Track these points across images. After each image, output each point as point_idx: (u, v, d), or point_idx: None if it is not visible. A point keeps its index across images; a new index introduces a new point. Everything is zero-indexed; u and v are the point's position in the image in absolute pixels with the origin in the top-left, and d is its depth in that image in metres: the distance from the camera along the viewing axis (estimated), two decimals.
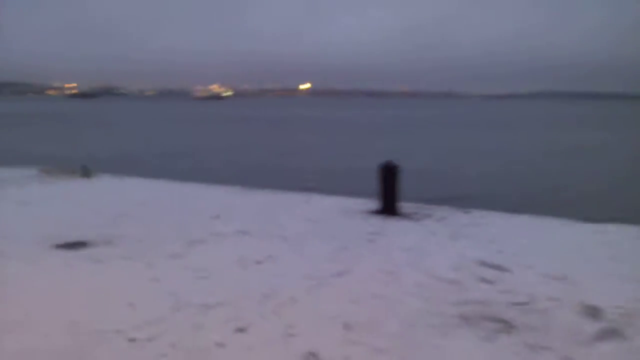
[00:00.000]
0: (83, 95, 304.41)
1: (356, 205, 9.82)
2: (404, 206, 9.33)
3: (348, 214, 9.08)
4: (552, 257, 6.56)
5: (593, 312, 4.78)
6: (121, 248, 7.01)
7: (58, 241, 7.34)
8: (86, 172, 13.09)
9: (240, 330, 4.44)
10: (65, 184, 12.03)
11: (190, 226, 8.14)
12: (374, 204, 9.65)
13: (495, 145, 32.96)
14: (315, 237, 7.48)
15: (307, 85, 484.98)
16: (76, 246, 7.19)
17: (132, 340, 4.26)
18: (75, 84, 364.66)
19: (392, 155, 10.54)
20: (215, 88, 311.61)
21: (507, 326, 4.51)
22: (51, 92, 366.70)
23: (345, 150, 30.12)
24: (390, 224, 8.31)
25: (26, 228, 7.98)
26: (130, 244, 7.20)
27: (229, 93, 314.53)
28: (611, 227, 8.23)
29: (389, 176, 8.98)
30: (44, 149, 28.97)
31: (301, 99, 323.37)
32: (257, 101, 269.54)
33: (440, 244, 7.18)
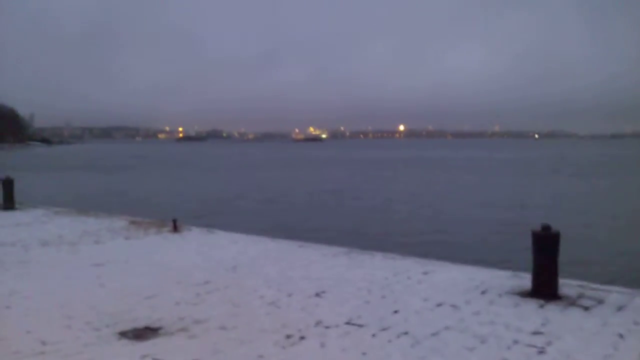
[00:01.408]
0: (189, 139, 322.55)
1: (495, 280, 7.64)
2: (561, 283, 7.04)
3: (489, 295, 6.92)
4: None
5: None
6: (198, 340, 5.39)
7: (124, 325, 5.87)
8: (176, 226, 11.90)
9: None
10: (152, 240, 10.84)
11: (287, 308, 6.40)
12: (519, 279, 7.46)
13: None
14: (452, 337, 5.44)
15: (402, 127, 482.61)
16: (144, 335, 5.66)
17: None
18: (181, 128, 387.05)
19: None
20: (312, 130, 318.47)
21: None
22: (162, 136, 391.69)
23: (461, 196, 27.82)
24: (555, 317, 6.05)
25: (90, 302, 6.62)
26: (211, 333, 5.58)
27: (325, 135, 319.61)
28: None
29: (548, 246, 6.77)
30: (146, 193, 29.32)
31: (396, 141, 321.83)
32: (353, 142, 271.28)
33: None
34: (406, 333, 5.54)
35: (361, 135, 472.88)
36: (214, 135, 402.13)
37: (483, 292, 7.04)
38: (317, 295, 6.98)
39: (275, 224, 18.02)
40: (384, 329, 5.65)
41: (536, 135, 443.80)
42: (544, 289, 6.78)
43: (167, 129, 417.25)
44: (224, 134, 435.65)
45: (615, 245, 15.58)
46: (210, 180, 41.63)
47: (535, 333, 5.50)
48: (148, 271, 8.30)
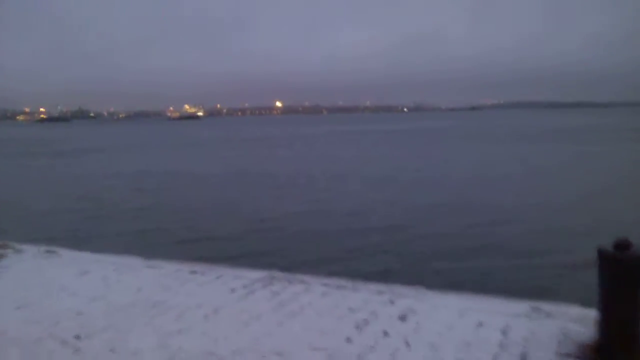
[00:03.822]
0: (52, 120, 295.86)
1: (522, 323, 4.83)
2: None
3: (537, 351, 4.10)
4: None
5: None
6: None
7: None
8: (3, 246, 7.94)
9: None
10: None
11: None
12: (560, 319, 4.78)
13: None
14: None
15: (279, 104, 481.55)
16: None
17: None
18: (43, 109, 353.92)
19: None
20: (188, 108, 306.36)
21: None
22: (21, 118, 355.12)
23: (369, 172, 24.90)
24: None
25: None
26: None
27: (201, 113, 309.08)
28: None
29: (626, 279, 4.06)
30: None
31: (273, 118, 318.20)
32: (231, 119, 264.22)
33: None
34: None
35: (239, 113, 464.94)
36: (80, 116, 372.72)
37: (526, 346, 4.18)
38: None
39: (150, 232, 13.46)
40: None
41: (405, 109, 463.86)
42: (618, 345, 4.08)
43: (27, 110, 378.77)
44: (91, 114, 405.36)
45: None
46: (63, 171, 34.44)
47: None
48: None
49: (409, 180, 22.32)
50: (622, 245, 4.06)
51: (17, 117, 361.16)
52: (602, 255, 4.14)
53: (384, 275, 7.53)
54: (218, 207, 17.11)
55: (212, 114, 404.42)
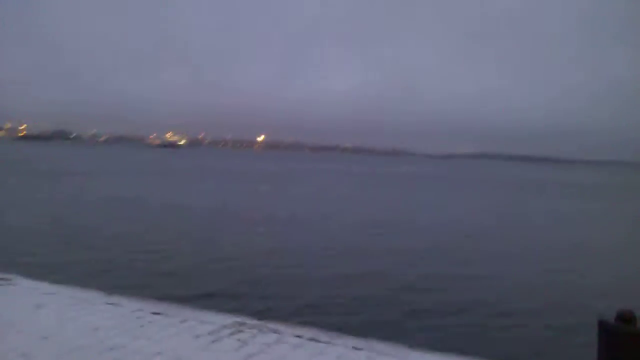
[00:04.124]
0: (32, 138, 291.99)
1: None
2: None
3: None
4: None
5: None
6: None
7: None
8: None
9: None
10: None
11: None
12: None
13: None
14: None
15: (262, 138, 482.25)
16: None
17: None
18: (24, 125, 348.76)
19: None
20: (170, 136, 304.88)
21: None
22: (1, 133, 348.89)
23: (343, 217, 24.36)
24: None
25: None
26: None
27: (183, 141, 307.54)
28: None
29: (629, 355, 3.73)
30: None
31: (253, 152, 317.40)
32: (211, 151, 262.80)
33: None
34: None
35: (221, 144, 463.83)
36: (60, 136, 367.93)
37: None
38: None
39: (116, 263, 12.79)
40: None
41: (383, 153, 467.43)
42: None
43: (8, 125, 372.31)
44: (71, 135, 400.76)
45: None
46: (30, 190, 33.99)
47: None
48: None
49: (395, 225, 21.96)
50: (625, 318, 3.76)
51: None
52: (603, 327, 3.82)
53: (363, 328, 7.06)
54: (190, 241, 16.48)
55: (193, 143, 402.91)
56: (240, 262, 13.55)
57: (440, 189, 49.05)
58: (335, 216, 24.00)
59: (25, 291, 6.98)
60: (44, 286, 7.40)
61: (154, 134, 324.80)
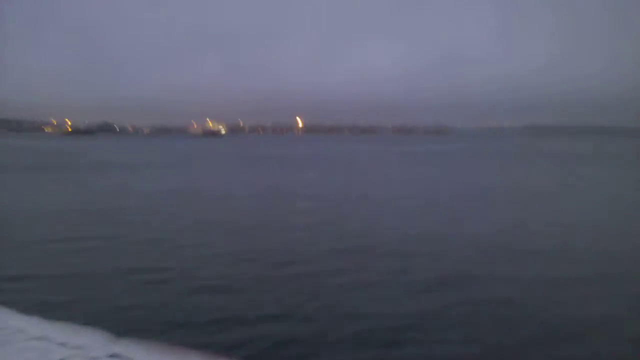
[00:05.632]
0: (78, 132, 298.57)
1: None
2: None
3: None
4: None
5: None
6: None
7: None
8: None
9: None
10: None
11: None
12: None
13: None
14: None
15: (301, 122, 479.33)
16: None
17: None
18: (69, 121, 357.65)
19: None
20: (211, 125, 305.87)
21: None
22: (48, 129, 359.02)
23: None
24: None
25: None
26: None
27: (224, 129, 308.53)
28: None
29: None
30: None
31: (294, 136, 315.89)
32: (254, 137, 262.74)
33: None
34: None
35: (260, 130, 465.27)
36: (105, 129, 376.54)
37: None
38: None
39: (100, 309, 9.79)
40: None
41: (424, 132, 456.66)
42: None
43: (55, 122, 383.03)
44: (116, 128, 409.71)
45: None
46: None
47: None
48: None
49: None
50: None
51: (45, 129, 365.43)
52: None
53: None
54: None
55: (233, 130, 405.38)
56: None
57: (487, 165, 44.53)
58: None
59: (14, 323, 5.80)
60: (33, 327, 6.24)
61: (195, 124, 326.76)
